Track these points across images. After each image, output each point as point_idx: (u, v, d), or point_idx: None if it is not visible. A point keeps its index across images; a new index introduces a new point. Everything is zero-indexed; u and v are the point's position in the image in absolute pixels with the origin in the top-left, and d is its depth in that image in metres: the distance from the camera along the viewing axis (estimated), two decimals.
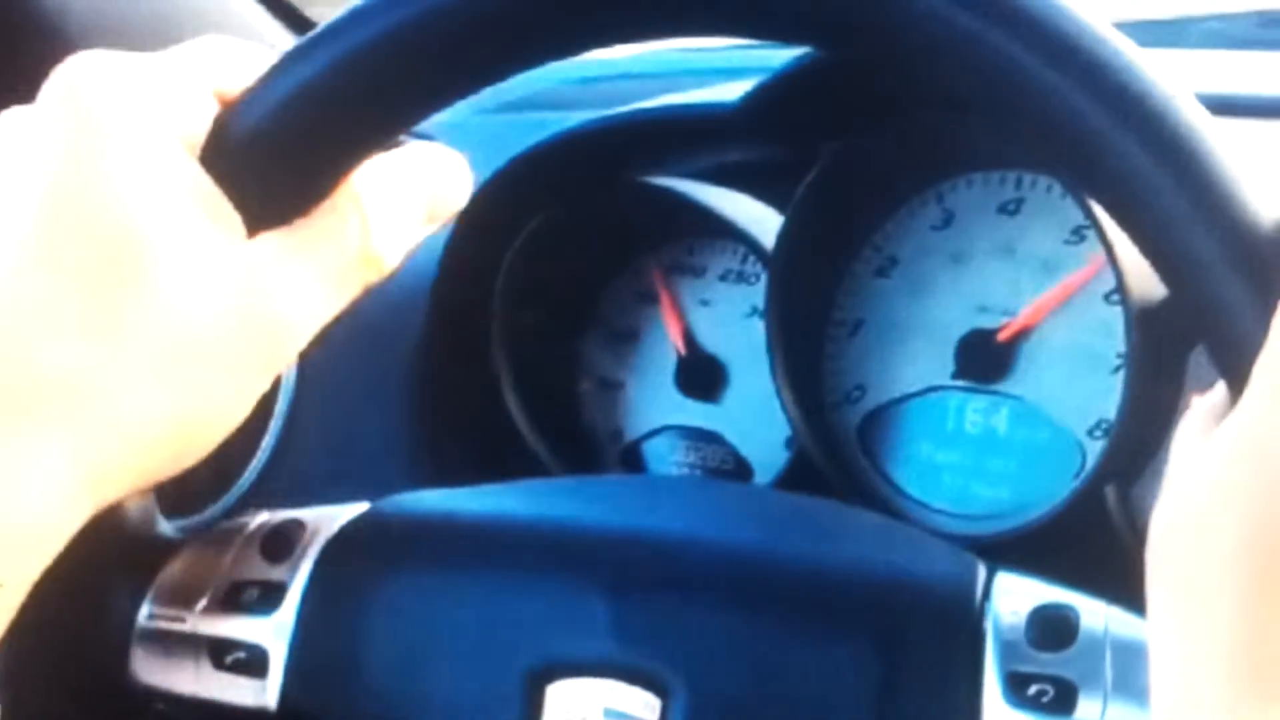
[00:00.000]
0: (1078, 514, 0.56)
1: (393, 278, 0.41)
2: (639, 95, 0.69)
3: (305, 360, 0.40)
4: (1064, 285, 0.61)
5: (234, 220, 0.37)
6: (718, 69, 0.74)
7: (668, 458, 0.73)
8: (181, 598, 0.48)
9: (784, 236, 0.65)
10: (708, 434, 0.71)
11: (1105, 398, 0.59)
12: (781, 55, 0.62)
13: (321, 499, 0.50)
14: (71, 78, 0.36)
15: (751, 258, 0.71)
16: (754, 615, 0.44)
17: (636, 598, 0.45)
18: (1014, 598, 0.43)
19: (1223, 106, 0.36)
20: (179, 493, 0.49)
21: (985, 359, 0.63)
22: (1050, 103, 0.33)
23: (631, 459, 0.73)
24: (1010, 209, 0.64)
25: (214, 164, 0.37)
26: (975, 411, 0.63)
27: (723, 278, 0.72)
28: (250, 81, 0.38)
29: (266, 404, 0.44)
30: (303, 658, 0.46)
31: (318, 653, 0.46)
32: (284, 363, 0.39)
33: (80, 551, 0.35)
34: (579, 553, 0.47)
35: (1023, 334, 0.62)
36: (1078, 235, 0.62)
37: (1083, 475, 0.59)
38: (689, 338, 0.72)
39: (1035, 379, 0.62)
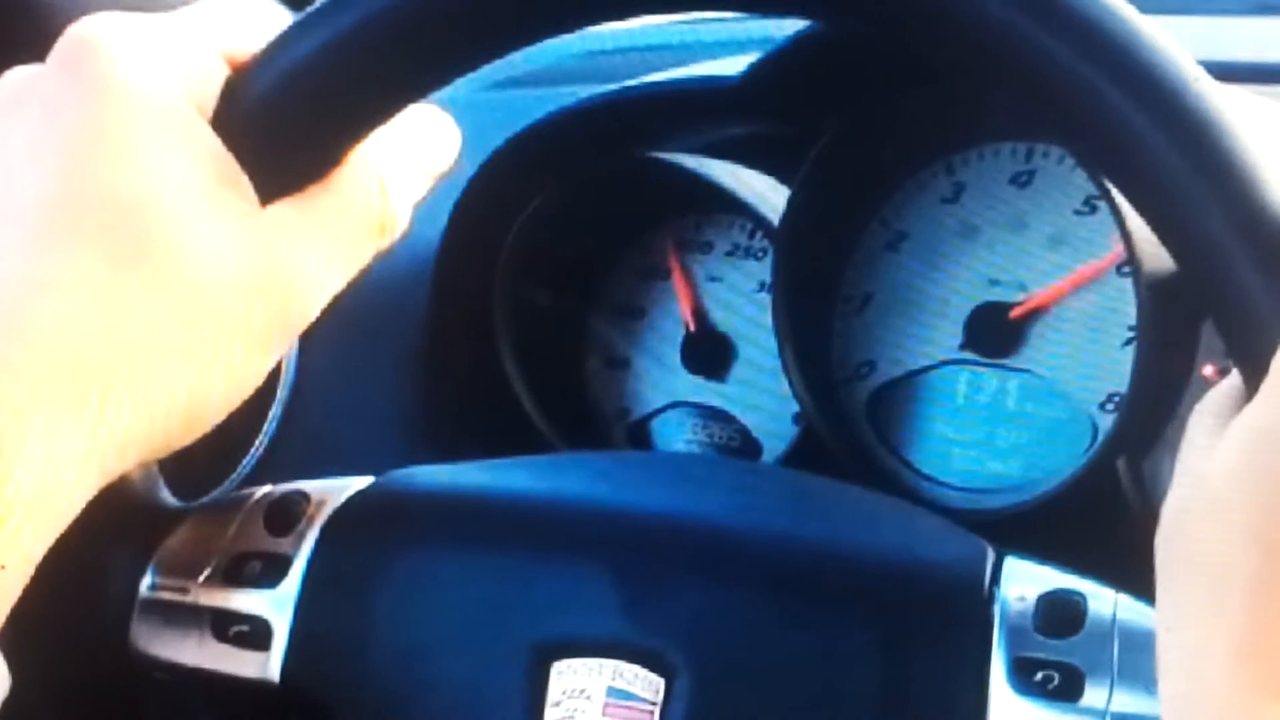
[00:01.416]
0: (1089, 488, 0.57)
1: (397, 252, 0.41)
2: (642, 69, 0.70)
3: (307, 337, 0.40)
4: (1081, 271, 0.62)
5: (247, 187, 0.37)
6: (721, 42, 0.74)
7: (675, 435, 0.73)
8: (184, 568, 0.48)
9: (791, 210, 0.65)
10: (715, 411, 0.72)
11: (1117, 370, 0.60)
12: (785, 27, 0.62)
13: (326, 474, 0.51)
14: (82, 38, 0.36)
15: (759, 233, 0.71)
16: (760, 596, 0.44)
17: (642, 576, 0.45)
18: (1022, 583, 0.43)
19: (1227, 74, 0.37)
20: (182, 474, 0.50)
21: (996, 333, 0.63)
22: (1061, 77, 0.33)
23: (639, 436, 0.74)
24: (1021, 181, 0.64)
25: (226, 129, 0.37)
26: (985, 386, 0.64)
27: (730, 253, 0.73)
28: (262, 44, 0.38)
29: (269, 382, 0.45)
30: (306, 631, 0.47)
31: (321, 626, 0.47)
32: (297, 331, 0.39)
33: (82, 520, 0.36)
34: (585, 530, 0.47)
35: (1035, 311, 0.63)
36: (1089, 206, 0.62)
37: (1094, 449, 0.59)
38: (698, 313, 0.72)
39: (1046, 352, 0.62)
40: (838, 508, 0.50)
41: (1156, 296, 0.55)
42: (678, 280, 0.73)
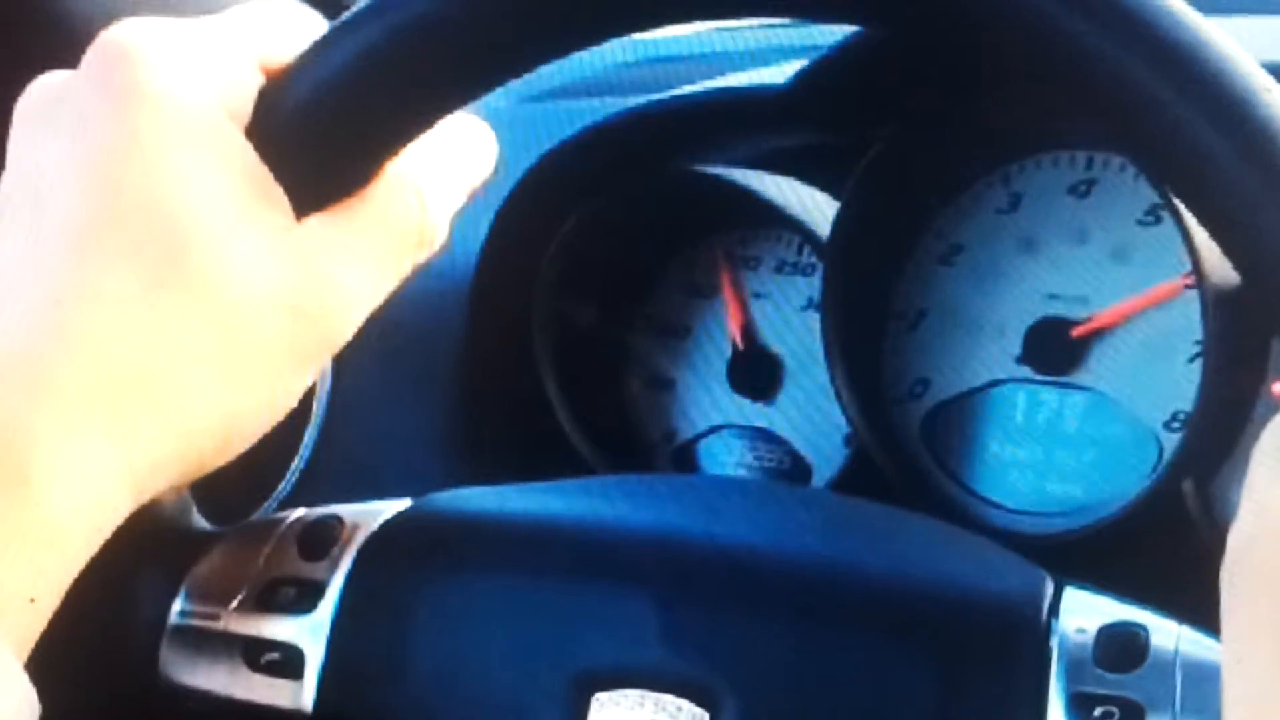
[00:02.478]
0: (1154, 510, 0.56)
1: (434, 268, 0.42)
2: (686, 79, 0.70)
3: (342, 356, 0.40)
4: (1152, 292, 0.61)
5: (282, 201, 0.37)
6: (768, 49, 0.74)
7: (723, 458, 0.73)
8: (215, 595, 0.48)
9: (840, 224, 0.65)
10: (763, 433, 0.72)
11: (1182, 388, 0.59)
12: (833, 34, 0.62)
13: (361, 498, 0.51)
14: (115, 45, 0.36)
15: (807, 248, 0.71)
16: (809, 628, 0.44)
17: (687, 605, 0.45)
18: (1082, 614, 0.42)
19: None
20: (215, 497, 0.50)
21: (1055, 350, 0.63)
22: (1126, 85, 0.33)
23: (685, 460, 0.74)
24: (1081, 191, 0.64)
25: (261, 141, 0.37)
26: (1045, 405, 0.64)
27: (777, 269, 0.73)
28: (297, 51, 0.38)
29: (304, 403, 0.45)
30: (340, 659, 0.47)
31: (356, 655, 0.47)
32: (335, 348, 0.39)
33: (112, 544, 0.36)
34: (628, 557, 0.47)
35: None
36: (1153, 217, 0.62)
37: (1159, 469, 0.59)
38: (747, 332, 0.72)
39: (1108, 369, 0.62)
40: (891, 534, 0.50)
41: (1224, 311, 0.55)
42: (728, 296, 0.73)
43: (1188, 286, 0.60)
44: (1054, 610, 0.42)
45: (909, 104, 0.63)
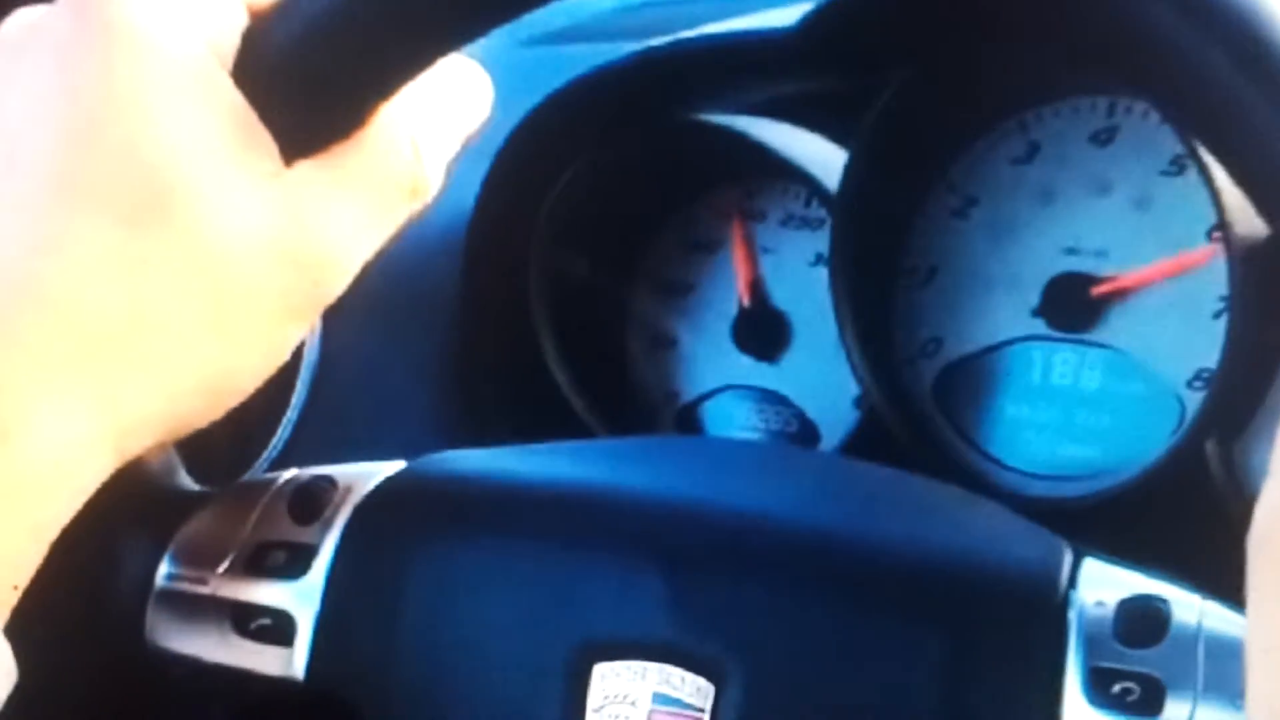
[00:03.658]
0: (1176, 472, 0.57)
1: (426, 221, 0.42)
2: (689, 23, 0.69)
3: (332, 312, 0.40)
4: (1179, 260, 0.61)
5: (270, 145, 0.37)
6: None
7: (728, 420, 0.74)
8: (203, 558, 0.49)
9: (849, 175, 0.65)
10: (770, 394, 0.72)
11: (1206, 345, 0.59)
12: None
13: (354, 459, 0.51)
14: None
15: (815, 200, 0.71)
16: (817, 597, 0.44)
17: (691, 573, 0.45)
18: (1101, 587, 0.42)
19: None
20: (202, 456, 0.50)
21: (1074, 306, 0.63)
22: (1146, 25, 0.33)
23: (688, 422, 0.74)
24: (1102, 139, 0.64)
25: (248, 82, 0.37)
26: (1063, 363, 0.64)
27: (784, 223, 0.73)
28: None
29: (292, 361, 0.45)
30: (332, 626, 0.47)
31: (348, 621, 0.47)
32: (327, 301, 0.39)
33: (94, 505, 0.36)
34: (630, 522, 0.47)
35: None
36: (1176, 167, 0.62)
37: (1181, 430, 0.59)
38: (755, 288, 0.72)
39: (1129, 326, 0.62)
40: (902, 500, 0.50)
41: (1251, 265, 0.55)
42: (738, 251, 0.73)
43: (1208, 236, 0.60)
44: (1072, 582, 0.43)
45: (921, 47, 0.63)
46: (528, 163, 0.70)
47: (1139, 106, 0.63)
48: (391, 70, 0.38)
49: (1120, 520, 0.58)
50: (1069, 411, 0.64)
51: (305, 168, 0.38)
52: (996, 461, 0.65)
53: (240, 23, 0.38)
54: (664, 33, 0.69)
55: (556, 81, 0.69)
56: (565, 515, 0.48)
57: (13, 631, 0.35)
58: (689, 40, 0.67)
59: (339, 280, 0.39)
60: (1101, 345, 0.63)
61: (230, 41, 0.37)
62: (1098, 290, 0.63)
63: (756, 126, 0.69)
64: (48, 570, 0.35)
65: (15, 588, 0.35)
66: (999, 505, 0.49)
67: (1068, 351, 0.64)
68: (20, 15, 0.37)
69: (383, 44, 0.37)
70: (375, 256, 0.40)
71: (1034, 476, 0.64)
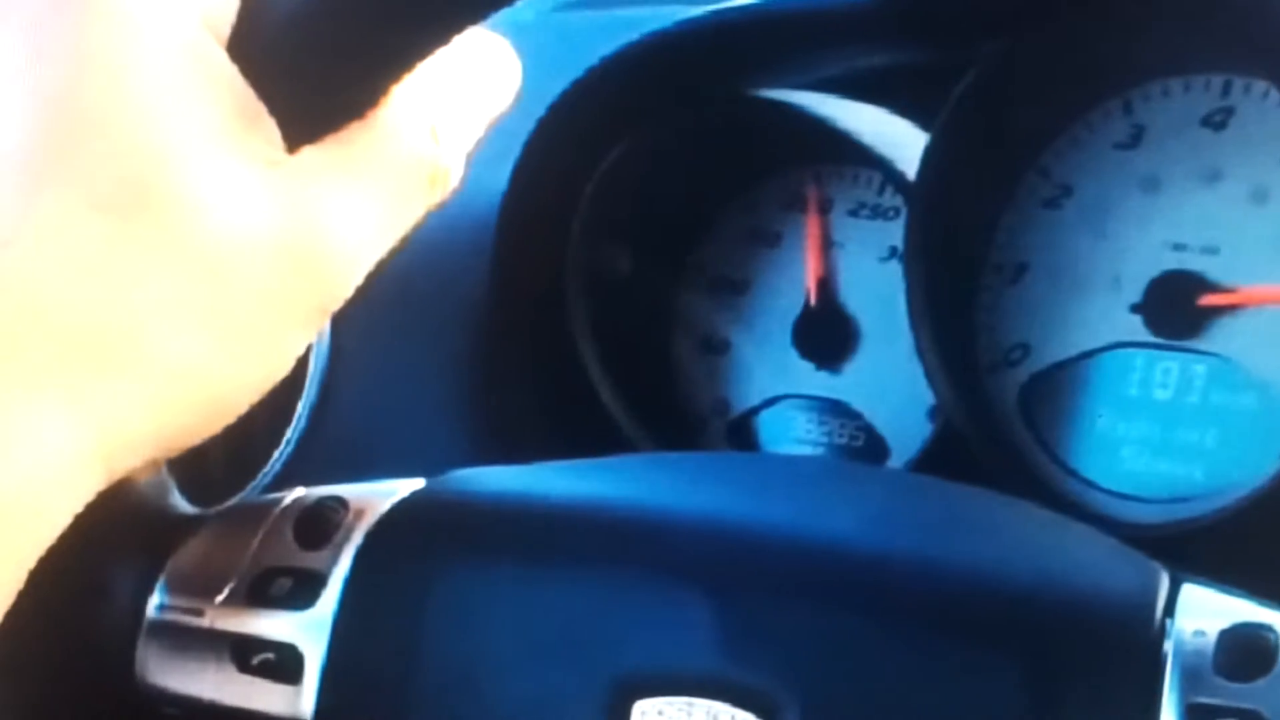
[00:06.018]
0: None
1: (451, 211, 0.42)
2: None
3: (342, 314, 0.40)
4: None
5: (271, 129, 0.37)
6: None
7: (785, 433, 0.74)
8: (199, 587, 0.49)
9: (929, 160, 0.65)
10: (834, 404, 0.73)
11: None
12: None
13: (367, 477, 0.51)
14: None
15: (889, 188, 0.72)
16: (882, 627, 0.44)
17: (743, 601, 0.45)
18: (1201, 615, 0.42)
19: None
20: (198, 475, 0.51)
21: (1179, 311, 0.63)
22: None
23: (741, 434, 0.75)
24: (1216, 122, 0.64)
25: (245, 57, 0.37)
26: (1164, 373, 0.64)
27: (853, 213, 0.73)
28: None
29: (298, 369, 0.45)
30: (343, 661, 0.47)
31: (361, 655, 0.48)
32: (336, 304, 0.39)
33: (79, 529, 0.36)
34: (675, 546, 0.47)
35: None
36: None
37: None
38: (824, 287, 0.73)
39: (1239, 333, 0.62)
40: (980, 521, 0.50)
41: None
42: (810, 244, 0.73)
43: None
44: (1169, 609, 0.43)
45: (1015, 15, 0.63)
46: (565, 145, 0.70)
47: (1258, 86, 0.63)
48: (406, 44, 0.38)
49: (1225, 547, 0.58)
50: (1169, 426, 0.64)
51: (310, 154, 0.38)
52: (1087, 481, 0.65)
53: None
54: None
55: (599, 51, 0.69)
56: (601, 538, 0.48)
57: None
58: (750, 6, 0.68)
59: (347, 282, 0.39)
60: (1208, 354, 0.63)
61: (226, 12, 0.37)
62: (1204, 301, 0.63)
63: (825, 104, 0.69)
64: (27, 601, 0.35)
65: None
66: (1088, 527, 0.49)
67: (1169, 360, 0.64)
68: None
69: (395, 14, 0.37)
70: (390, 254, 0.40)
71: (1129, 499, 0.64)
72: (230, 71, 0.37)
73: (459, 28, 0.38)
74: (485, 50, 0.42)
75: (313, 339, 0.39)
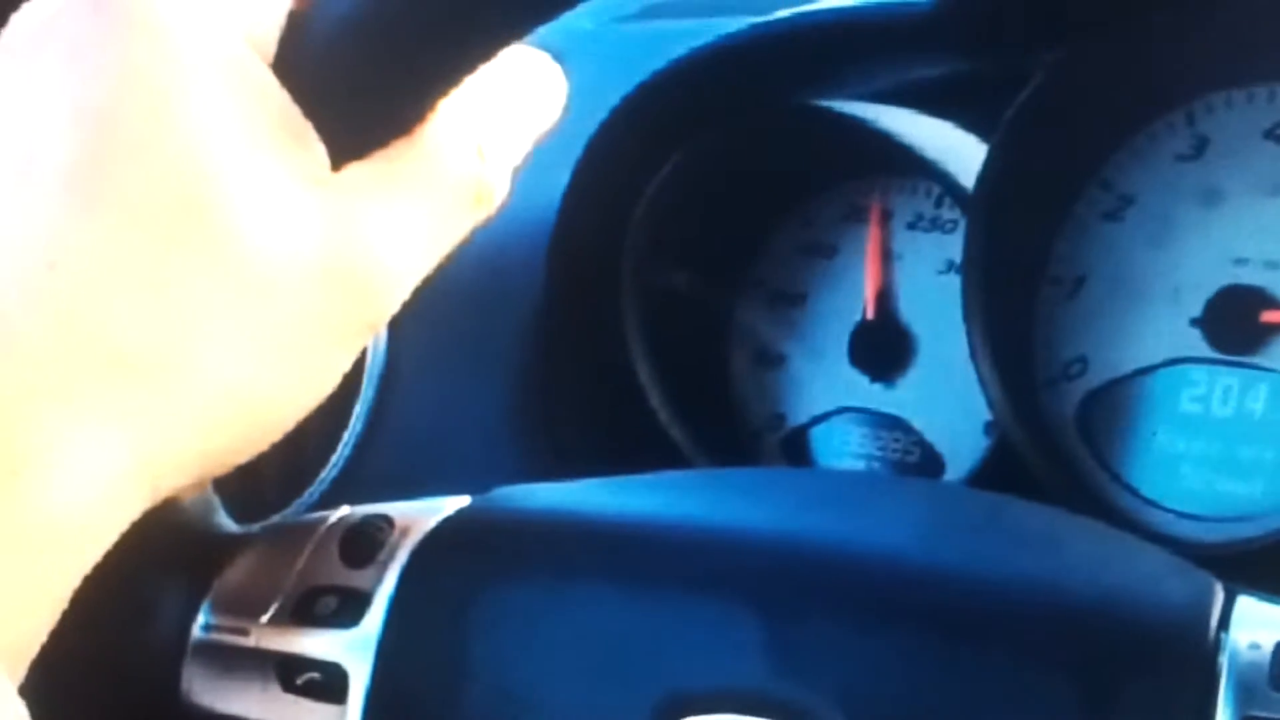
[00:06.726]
0: None
1: (503, 225, 0.42)
2: None
3: (395, 331, 0.40)
4: None
5: (316, 146, 0.37)
6: None
7: (840, 447, 0.74)
8: (245, 606, 0.49)
9: (989, 171, 0.65)
10: (889, 418, 0.73)
11: None
12: None
13: (414, 495, 0.52)
14: None
15: (948, 200, 0.71)
16: (934, 644, 0.44)
17: (795, 618, 0.45)
18: (1257, 627, 0.42)
19: None
20: (244, 494, 0.51)
21: (1241, 326, 0.63)
22: None
23: (796, 448, 0.75)
24: (1279, 135, 0.63)
25: (290, 75, 0.37)
26: (1225, 389, 0.63)
27: (911, 225, 0.73)
28: None
29: (349, 384, 0.45)
30: (389, 680, 0.48)
31: (407, 674, 0.48)
32: (381, 322, 0.40)
33: (125, 549, 0.36)
34: (726, 563, 0.47)
35: None
36: None
37: None
38: (882, 300, 0.73)
39: None
40: (1035, 537, 0.50)
41: None
42: (871, 256, 0.73)
43: None
44: (1224, 622, 0.42)
45: (1076, 25, 0.63)
46: (620, 158, 0.70)
47: None
48: (451, 60, 0.38)
49: None
50: (1232, 444, 0.63)
51: (355, 171, 0.38)
52: (1145, 499, 0.65)
53: (282, 9, 0.38)
54: (778, 7, 0.69)
55: (655, 62, 0.69)
56: (652, 555, 0.48)
57: (33, 690, 0.35)
58: (808, 15, 0.68)
59: (391, 299, 0.39)
60: (1271, 370, 0.63)
61: (271, 31, 0.38)
62: (1267, 318, 0.62)
63: (883, 115, 0.69)
64: (73, 621, 0.36)
65: (34, 642, 0.35)
66: (1143, 541, 0.49)
67: (1231, 376, 0.63)
68: (34, 4, 0.37)
69: (440, 29, 0.37)
70: (438, 269, 0.40)
71: (1188, 517, 0.63)
72: (275, 89, 0.37)
73: (505, 42, 0.38)
74: (530, 67, 0.42)
75: (356, 356, 0.39)
